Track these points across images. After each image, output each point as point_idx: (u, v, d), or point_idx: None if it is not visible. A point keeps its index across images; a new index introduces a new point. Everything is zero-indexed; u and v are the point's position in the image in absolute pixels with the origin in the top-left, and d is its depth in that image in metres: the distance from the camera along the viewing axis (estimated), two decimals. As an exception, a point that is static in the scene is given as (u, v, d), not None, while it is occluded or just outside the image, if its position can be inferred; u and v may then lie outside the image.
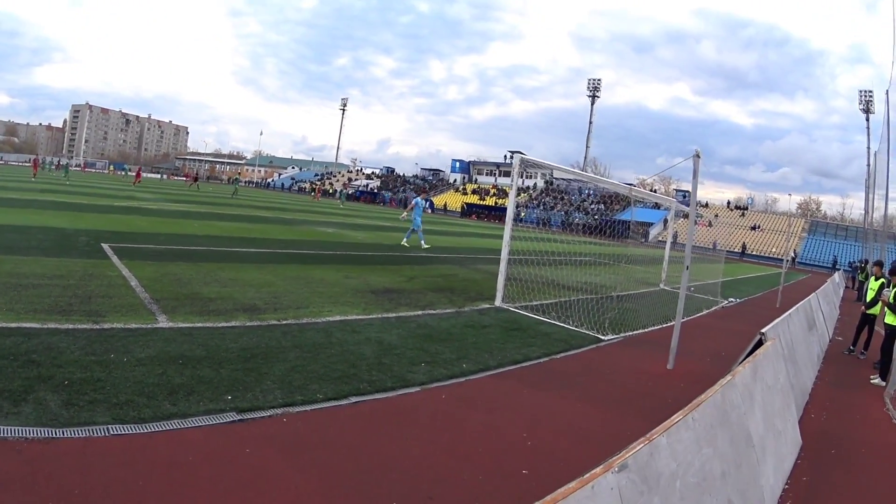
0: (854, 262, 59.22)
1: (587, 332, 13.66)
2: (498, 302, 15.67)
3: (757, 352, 7.20)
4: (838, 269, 57.84)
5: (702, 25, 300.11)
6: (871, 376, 13.48)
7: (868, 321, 16.04)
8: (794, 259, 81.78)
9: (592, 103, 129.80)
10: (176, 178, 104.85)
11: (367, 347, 9.78)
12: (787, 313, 10.73)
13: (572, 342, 12.55)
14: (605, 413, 8.45)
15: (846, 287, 42.65)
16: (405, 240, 28.85)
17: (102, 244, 17.21)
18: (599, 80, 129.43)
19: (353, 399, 7.45)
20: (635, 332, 14.66)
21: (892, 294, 13.36)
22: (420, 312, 13.33)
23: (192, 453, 5.51)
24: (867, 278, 15.32)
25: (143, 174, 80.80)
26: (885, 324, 13.53)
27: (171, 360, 7.86)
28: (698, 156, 11.42)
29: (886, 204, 29.02)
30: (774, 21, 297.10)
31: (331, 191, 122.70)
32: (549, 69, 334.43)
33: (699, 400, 4.71)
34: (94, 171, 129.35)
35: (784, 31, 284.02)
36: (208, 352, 8.44)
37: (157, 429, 5.93)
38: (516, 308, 15.38)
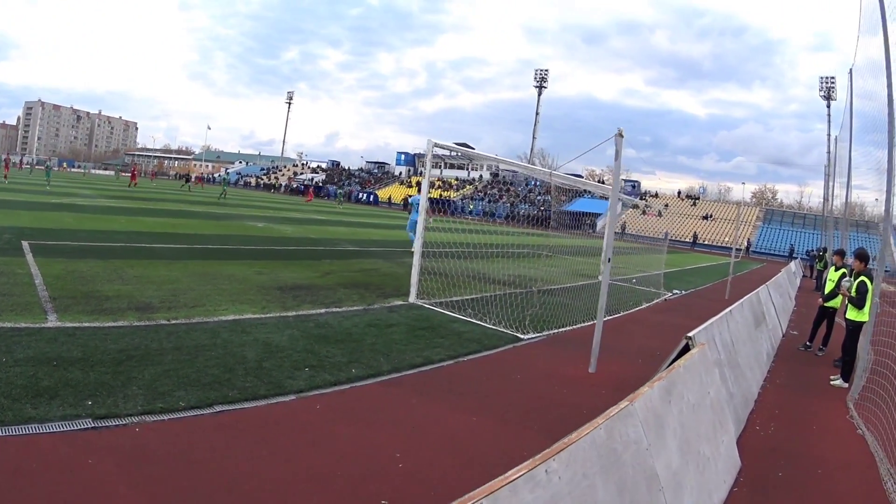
0: (812, 249, 59.03)
1: (506, 330, 12.62)
2: (412, 298, 14.69)
3: (676, 363, 5.72)
4: (795, 258, 57.71)
5: (656, 15, 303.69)
6: (832, 377, 12.28)
7: (827, 315, 15.00)
8: (748, 248, 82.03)
9: (539, 94, 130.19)
10: (125, 174, 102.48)
11: (252, 350, 9.10)
12: (726, 310, 9.48)
13: (486, 342, 11.53)
14: (501, 427, 7.47)
15: (804, 276, 42.42)
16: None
17: (23, 241, 16.86)
18: (547, 70, 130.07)
19: (218, 408, 6.85)
20: (563, 330, 13.60)
21: (854, 286, 12.26)
22: (323, 311, 12.48)
23: (38, 461, 5.20)
24: (826, 267, 14.09)
25: (94, 171, 79.10)
26: (847, 319, 12.41)
27: (47, 362, 7.51)
28: (621, 135, 10.48)
29: (849, 185, 28.11)
30: (732, 10, 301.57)
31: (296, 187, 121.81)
32: (499, 61, 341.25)
33: (568, 440, 3.46)
34: (75, 170, 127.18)
35: (742, 20, 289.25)
36: (85, 353, 7.99)
37: (13, 433, 5.65)
38: (431, 305, 14.40)
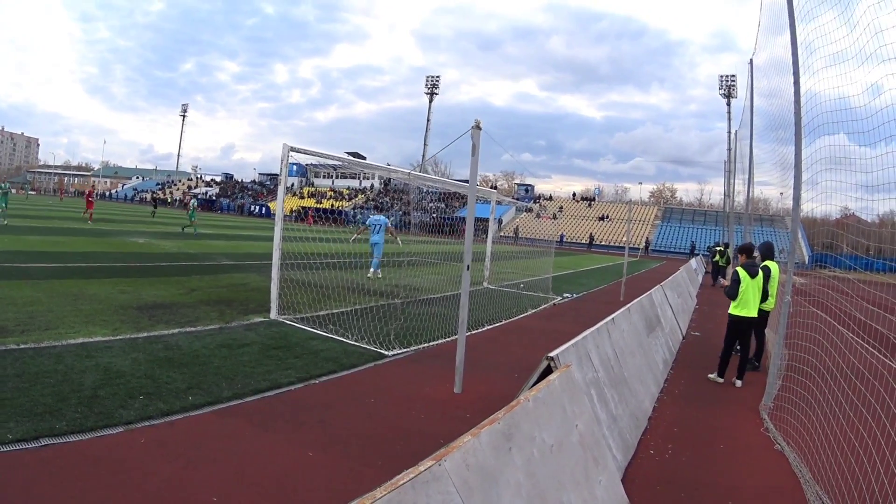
0: (710, 245, 59.87)
1: (369, 347, 11.78)
2: (273, 314, 13.77)
3: (522, 396, 4.49)
4: (697, 255, 58.47)
5: (552, 20, 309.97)
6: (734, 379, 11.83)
7: (758, 320, 13.67)
8: (647, 247, 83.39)
9: (431, 101, 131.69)
10: (24, 192, 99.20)
11: (91, 376, 8.48)
12: (606, 319, 8.53)
13: (344, 361, 10.72)
14: (340, 463, 6.66)
15: (706, 272, 42.59)
16: (373, 270, 23.09)
17: None
18: (438, 77, 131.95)
19: (44, 441, 6.33)
20: (434, 344, 12.73)
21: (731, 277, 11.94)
22: (177, 331, 11.71)
23: None
24: (728, 263, 13.27)
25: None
26: (733, 316, 11.82)
27: None
28: (478, 127, 9.70)
29: (750, 180, 28.10)
30: (631, 13, 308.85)
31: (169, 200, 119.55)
32: (393, 69, 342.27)
33: None
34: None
35: (640, 23, 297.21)
36: None
37: None
38: (293, 321, 13.54)
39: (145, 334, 11.10)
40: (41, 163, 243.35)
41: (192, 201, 42.84)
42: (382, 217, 23.37)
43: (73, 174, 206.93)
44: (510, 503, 3.62)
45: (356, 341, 12.01)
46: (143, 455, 6.28)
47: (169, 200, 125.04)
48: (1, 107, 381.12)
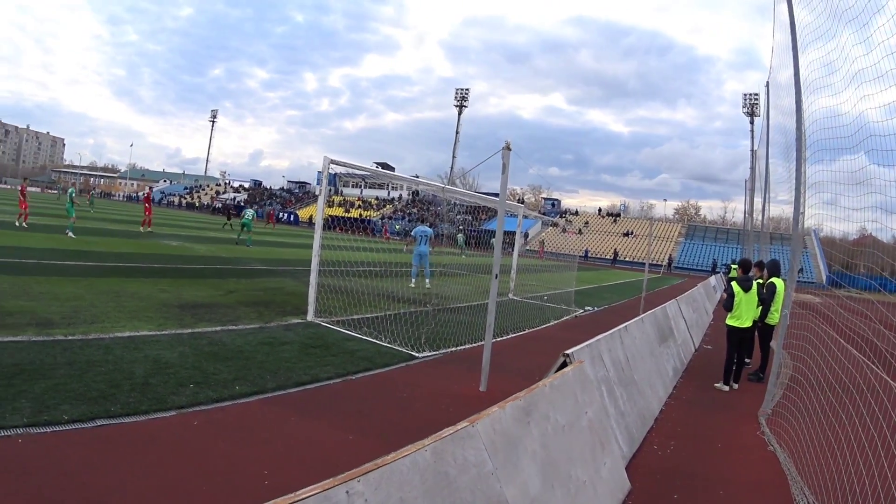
0: (727, 262, 59.81)
1: (400, 348, 12.42)
2: (310, 316, 14.40)
3: (540, 382, 5.32)
4: (717, 272, 58.18)
5: (581, 34, 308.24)
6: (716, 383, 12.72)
7: (763, 333, 14.50)
8: (669, 264, 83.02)
9: (460, 113, 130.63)
10: (51, 191, 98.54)
11: (141, 366, 8.98)
12: (620, 326, 9.27)
13: (378, 360, 11.36)
14: (378, 446, 6.76)
15: (725, 290, 42.09)
16: (423, 280, 23.52)
17: None
18: (467, 89, 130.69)
19: (99, 422, 6.76)
20: (461, 348, 13.37)
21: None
22: (219, 328, 12.28)
23: None
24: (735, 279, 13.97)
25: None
26: (728, 326, 12.72)
27: None
28: (508, 148, 10.28)
29: (766, 198, 28.36)
30: (658, 28, 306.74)
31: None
32: (422, 80, 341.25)
33: (383, 460, 3.19)
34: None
35: (667, 38, 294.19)
36: None
37: None
38: (329, 323, 14.16)
39: (189, 330, 11.63)
40: (67, 163, 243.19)
41: (250, 212, 40.29)
42: (428, 228, 23.60)
43: (99, 175, 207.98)
44: (527, 465, 4.40)
45: (389, 343, 12.58)
46: (198, 435, 6.82)
47: (197, 205, 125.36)
48: (27, 106, 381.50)
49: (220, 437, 6.87)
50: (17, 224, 29.65)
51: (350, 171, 16.13)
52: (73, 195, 30.98)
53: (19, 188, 33.39)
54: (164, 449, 6.34)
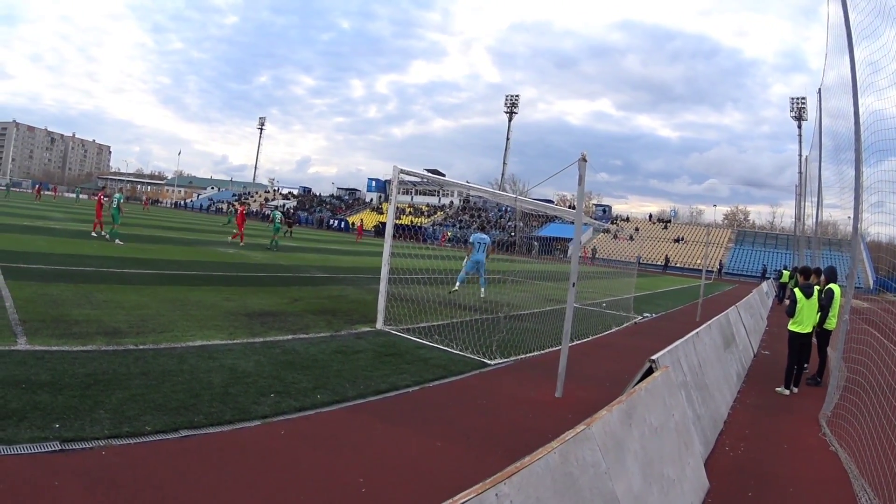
0: (777, 268, 59.38)
1: (472, 356, 12.54)
2: (379, 325, 14.53)
3: (638, 386, 5.60)
4: (768, 278, 57.76)
5: (627, 39, 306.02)
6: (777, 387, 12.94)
7: (821, 338, 14.56)
8: (720, 270, 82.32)
9: (510, 120, 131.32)
10: (94, 197, 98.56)
11: (218, 375, 9.04)
12: (692, 333, 9.42)
13: (452, 368, 11.45)
14: (466, 452, 7.38)
15: (775, 296, 42.02)
16: (482, 290, 23.32)
17: None
18: (517, 95, 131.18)
19: (184, 433, 6.79)
20: (530, 355, 13.46)
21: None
22: (290, 337, 12.35)
23: (5, 482, 5.20)
24: (796, 285, 13.99)
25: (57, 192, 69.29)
26: (790, 331, 12.94)
27: (15, 384, 7.53)
28: (584, 160, 10.39)
29: (819, 203, 28.26)
30: (704, 32, 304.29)
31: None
32: (469, 86, 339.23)
33: (521, 463, 3.35)
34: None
35: (713, 42, 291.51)
36: (53, 376, 8.00)
37: (-20, 455, 5.60)
38: (398, 331, 14.28)
39: (261, 339, 11.71)
40: (113, 169, 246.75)
41: (278, 214, 40.37)
42: (486, 235, 23.55)
43: (146, 182, 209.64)
44: (631, 464, 4.68)
45: (460, 351, 12.72)
46: (286, 444, 6.87)
47: (245, 212, 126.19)
48: (72, 114, 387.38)
49: (308, 445, 6.96)
50: (93, 234, 29.56)
51: (417, 179, 16.41)
52: (121, 201, 30.69)
53: (96, 197, 33.25)
54: (255, 458, 6.41)
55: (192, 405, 7.61)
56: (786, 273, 41.23)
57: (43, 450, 5.86)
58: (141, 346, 10.06)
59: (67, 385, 7.68)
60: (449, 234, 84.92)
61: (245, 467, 6.15)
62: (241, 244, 36.96)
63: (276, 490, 5.74)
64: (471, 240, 23.41)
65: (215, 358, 9.96)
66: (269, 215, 61.54)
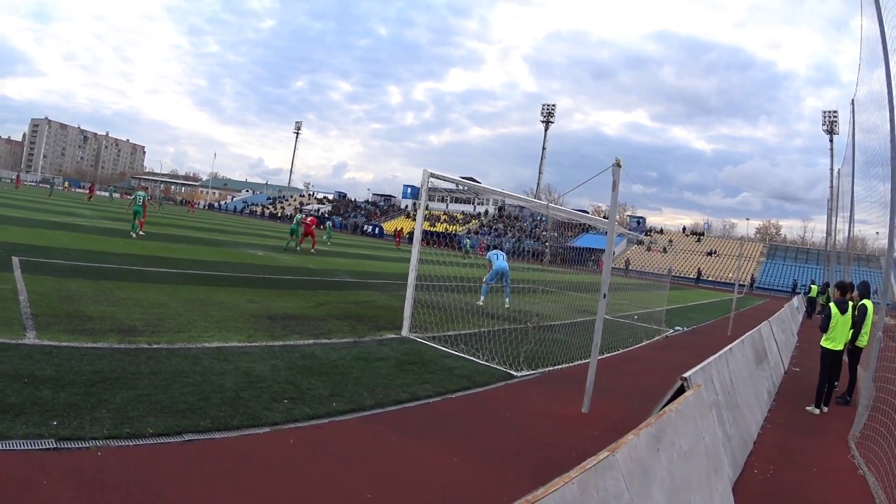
0: (806, 283, 58.90)
1: (499, 367, 12.22)
2: (405, 332, 14.25)
3: (668, 407, 5.29)
4: (798, 293, 57.19)
5: (663, 50, 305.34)
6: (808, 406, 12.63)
7: (852, 356, 14.26)
8: (751, 284, 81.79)
9: (546, 129, 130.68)
10: (128, 196, 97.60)
11: (231, 378, 8.80)
12: (725, 348, 9.10)
13: (477, 379, 11.15)
14: (482, 469, 7.07)
15: (805, 309, 41.48)
16: (506, 300, 22.82)
17: (14, 257, 16.90)
18: (554, 105, 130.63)
19: (187, 437, 6.58)
20: (558, 367, 13.14)
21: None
22: (311, 341, 12.12)
23: None
24: (829, 301, 13.64)
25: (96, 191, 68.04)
26: (822, 348, 12.74)
27: (17, 378, 7.41)
28: (618, 165, 10.19)
29: (852, 218, 27.95)
30: (738, 44, 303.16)
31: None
32: (506, 95, 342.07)
33: (534, 496, 3.04)
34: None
35: (748, 54, 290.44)
36: (58, 372, 7.85)
37: (-31, 449, 5.54)
38: (424, 339, 13.96)
39: (280, 343, 11.51)
40: (147, 170, 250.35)
41: (298, 216, 40.33)
42: (500, 251, 23.43)
43: (181, 183, 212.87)
44: (656, 494, 4.40)
45: (486, 361, 12.44)
46: (293, 453, 6.65)
47: (279, 215, 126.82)
48: (105, 114, 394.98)
49: (317, 455, 6.76)
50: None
51: (448, 184, 16.26)
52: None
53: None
54: (259, 467, 6.21)
55: (199, 408, 7.46)
56: (814, 287, 41.35)
57: (36, 447, 5.77)
58: (154, 346, 9.95)
59: (71, 382, 7.59)
60: (485, 241, 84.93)
61: (245, 475, 5.98)
62: (313, 251, 37.85)
63: (276, 501, 5.58)
64: (487, 256, 23.34)
65: (230, 360, 9.81)
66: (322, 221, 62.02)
